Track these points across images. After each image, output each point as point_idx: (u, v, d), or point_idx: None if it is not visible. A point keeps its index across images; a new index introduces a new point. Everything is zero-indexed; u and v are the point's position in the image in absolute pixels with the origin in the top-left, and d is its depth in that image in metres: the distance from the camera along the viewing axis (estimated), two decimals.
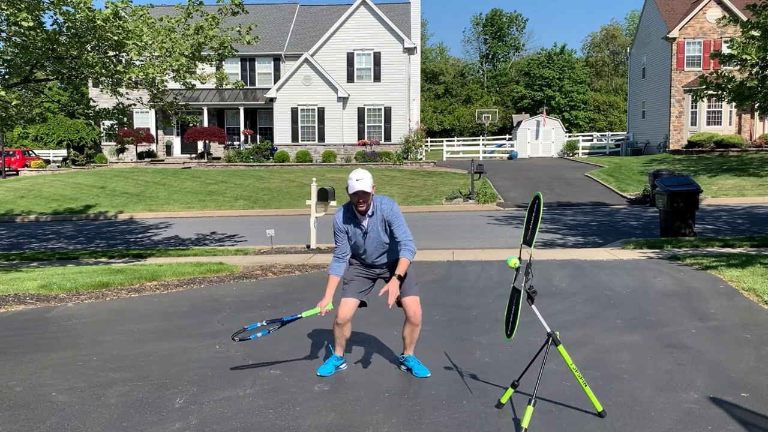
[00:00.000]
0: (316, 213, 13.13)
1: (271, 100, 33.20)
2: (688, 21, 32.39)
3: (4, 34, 10.56)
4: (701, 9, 32.33)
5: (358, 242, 4.89)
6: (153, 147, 36.26)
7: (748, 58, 13.14)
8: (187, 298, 8.13)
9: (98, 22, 9.87)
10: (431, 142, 51.28)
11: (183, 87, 12.10)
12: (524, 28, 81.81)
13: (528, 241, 4.16)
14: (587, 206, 20.39)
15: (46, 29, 10.34)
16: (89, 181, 27.60)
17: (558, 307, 7.16)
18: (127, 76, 10.81)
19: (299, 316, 5.07)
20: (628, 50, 42.41)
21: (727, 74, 14.38)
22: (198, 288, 8.80)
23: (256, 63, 35.87)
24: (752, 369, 4.99)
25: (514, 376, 4.45)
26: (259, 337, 5.14)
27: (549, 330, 4.13)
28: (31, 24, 9.34)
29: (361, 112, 33.38)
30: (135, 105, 13.81)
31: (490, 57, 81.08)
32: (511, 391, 4.30)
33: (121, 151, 35.11)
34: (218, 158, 34.78)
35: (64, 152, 35.71)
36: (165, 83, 11.93)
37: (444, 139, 49.66)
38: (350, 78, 33.28)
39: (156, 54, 11.01)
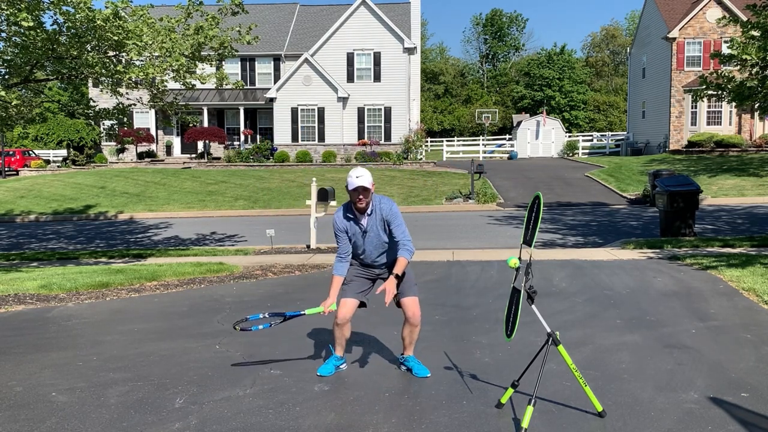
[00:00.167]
0: (316, 213, 13.13)
1: (271, 100, 33.20)
2: (688, 21, 32.39)
3: (4, 34, 10.56)
4: (701, 9, 32.34)
5: (357, 242, 4.90)
6: (153, 147, 36.27)
7: (748, 58, 13.14)
8: (187, 298, 8.13)
9: (98, 22, 9.87)
10: (431, 142, 51.28)
11: (183, 87, 12.10)
12: (524, 28, 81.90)
13: (528, 241, 4.16)
14: (587, 206, 20.39)
15: (46, 29, 10.34)
16: (89, 181, 27.60)
17: (558, 307, 7.16)
18: (127, 76, 10.81)
19: (302, 313, 5.08)
20: (628, 50, 42.41)
21: (727, 74, 14.37)
22: (198, 288, 8.80)
23: (256, 63, 35.87)
24: (752, 369, 4.99)
25: (514, 376, 4.45)
26: (261, 329, 5.14)
27: (549, 330, 4.13)
28: (31, 24, 9.34)
29: (361, 112, 33.38)
30: (135, 105, 13.81)
31: (490, 57, 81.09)
32: (511, 391, 4.30)
33: (121, 151, 35.11)
34: (218, 158, 34.78)
35: (64, 152, 35.71)
36: (165, 83, 11.93)
37: (444, 139, 49.65)
38: (350, 78, 33.29)
39: (156, 54, 11.01)
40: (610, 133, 48.71)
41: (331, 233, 5.07)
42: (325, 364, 5.14)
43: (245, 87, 35.02)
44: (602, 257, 10.46)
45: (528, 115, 48.60)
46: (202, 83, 12.51)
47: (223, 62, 22.16)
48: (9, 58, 11.10)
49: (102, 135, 33.25)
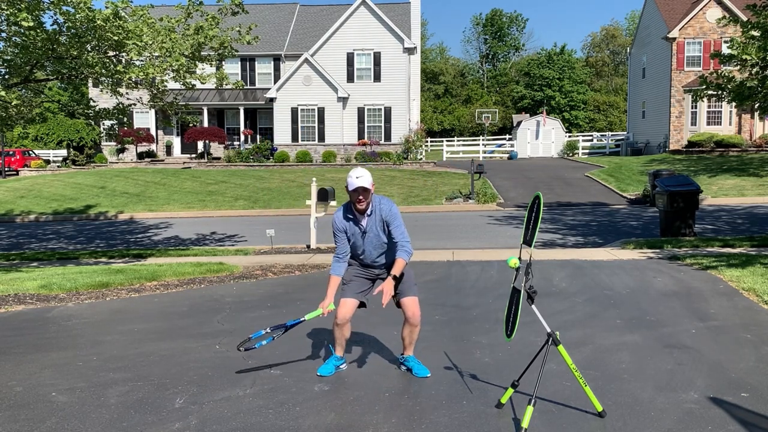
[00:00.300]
0: (316, 213, 13.13)
1: (271, 100, 33.20)
2: (688, 21, 32.39)
3: (4, 34, 10.56)
4: (701, 9, 32.34)
5: (356, 242, 4.90)
6: (153, 147, 36.27)
7: (748, 58, 13.14)
8: (187, 298, 8.13)
9: (98, 22, 9.87)
10: (431, 142, 51.28)
11: (183, 87, 12.10)
12: (524, 28, 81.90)
13: (528, 241, 4.16)
14: (587, 206, 20.39)
15: (46, 29, 10.34)
16: (89, 181, 27.61)
17: (558, 307, 7.16)
18: (127, 76, 10.81)
19: (302, 319, 5.06)
20: (628, 50, 42.41)
21: (727, 74, 14.37)
22: (198, 288, 8.80)
23: (256, 63, 35.87)
24: (752, 369, 4.99)
25: (514, 376, 4.45)
26: (264, 345, 5.13)
27: (549, 330, 4.13)
28: (31, 24, 9.34)
29: (361, 112, 33.38)
30: (135, 105, 13.81)
31: (490, 57, 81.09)
32: (511, 391, 4.30)
33: (121, 151, 35.11)
34: (218, 158, 34.79)
35: (64, 152, 35.71)
36: (165, 83, 11.93)
37: (444, 139, 49.65)
38: (350, 78, 33.29)
39: (156, 54, 11.01)
40: (610, 133, 48.71)
41: (331, 233, 5.07)
42: (325, 364, 5.14)
43: (245, 87, 35.02)
44: (602, 257, 10.46)
45: (528, 115, 48.60)
46: (202, 83, 12.51)
47: (223, 62, 22.16)
48: (9, 58, 11.10)
49: (102, 135, 33.25)
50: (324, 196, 12.98)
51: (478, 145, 44.38)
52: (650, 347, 5.60)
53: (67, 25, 10.30)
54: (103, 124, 31.35)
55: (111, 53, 11.12)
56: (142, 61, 11.33)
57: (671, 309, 6.92)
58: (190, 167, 31.90)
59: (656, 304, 7.18)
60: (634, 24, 63.89)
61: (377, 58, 33.13)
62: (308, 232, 13.33)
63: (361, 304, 4.99)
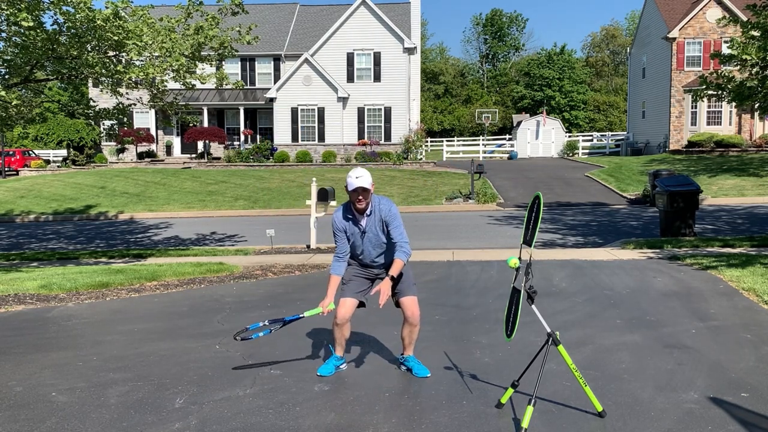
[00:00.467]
0: (316, 213, 13.13)
1: (271, 100, 33.20)
2: (688, 21, 32.39)
3: (4, 34, 10.56)
4: (701, 9, 32.34)
5: (356, 242, 4.90)
6: (153, 147, 36.27)
7: (748, 58, 13.14)
8: (187, 298, 8.13)
9: (98, 22, 9.87)
10: (431, 142, 51.28)
11: (183, 87, 12.10)
12: (524, 28, 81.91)
13: (528, 241, 4.16)
14: (587, 206, 20.39)
15: (46, 29, 10.34)
16: (89, 181, 27.61)
17: (558, 307, 7.16)
18: (127, 76, 10.81)
19: (301, 315, 5.07)
20: (628, 50, 42.41)
21: (727, 74, 14.37)
22: (198, 288, 8.80)
23: (256, 63, 35.87)
24: (752, 369, 4.99)
25: (514, 376, 4.45)
26: (261, 336, 5.14)
27: (549, 330, 4.13)
28: (31, 24, 9.34)
29: (361, 112, 33.38)
30: (135, 105, 13.81)
31: (490, 57, 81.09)
32: (511, 391, 4.30)
33: (121, 151, 35.11)
34: (218, 158, 34.79)
35: (64, 152, 35.71)
36: (165, 83, 11.93)
37: (444, 139, 49.65)
38: (350, 78, 33.29)
39: (156, 54, 11.01)
40: (610, 133, 48.71)
41: (331, 233, 5.07)
42: (325, 364, 5.14)
43: (245, 87, 35.02)
44: (602, 257, 10.46)
45: (528, 115, 48.60)
46: (202, 83, 12.51)
47: (223, 62, 22.17)
48: (9, 58, 11.10)
49: (102, 135, 33.25)
50: (324, 196, 12.98)
51: (478, 145, 44.38)
52: (650, 347, 5.60)
53: (67, 25, 10.30)
54: (103, 124, 31.34)
55: (111, 53, 11.12)
56: (142, 61, 11.33)
57: (671, 309, 6.92)
58: (190, 167, 31.90)
59: (656, 304, 7.18)
60: (634, 24, 63.90)
61: (377, 58, 33.12)
62: (308, 232, 13.33)
63: (361, 304, 4.99)
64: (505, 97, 72.92)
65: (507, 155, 39.02)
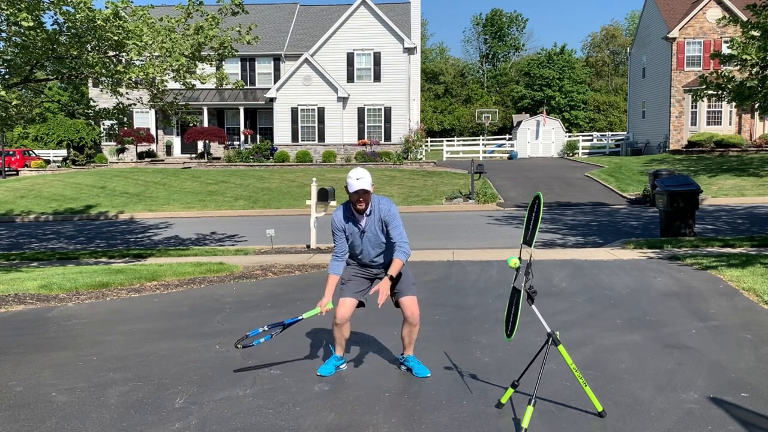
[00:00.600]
0: (316, 213, 13.13)
1: (271, 100, 33.20)
2: (688, 21, 32.39)
3: (4, 34, 10.56)
4: (701, 9, 32.34)
5: (355, 241, 4.90)
6: (153, 147, 36.27)
7: (748, 58, 13.14)
8: (187, 298, 8.13)
9: (98, 22, 9.87)
10: (431, 142, 51.28)
11: (183, 87, 12.10)
12: (524, 28, 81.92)
13: (528, 241, 4.16)
14: (587, 206, 20.39)
15: (46, 29, 10.34)
16: (89, 181, 27.61)
17: (558, 307, 7.16)
18: (127, 76, 10.81)
19: (300, 318, 5.06)
20: (628, 50, 42.41)
21: (727, 74, 14.37)
22: (198, 288, 8.80)
23: (256, 63, 35.87)
24: (752, 369, 4.99)
25: (514, 376, 4.45)
26: (262, 342, 5.13)
27: (549, 330, 4.13)
28: (31, 24, 9.34)
29: (361, 112, 33.38)
30: (135, 105, 13.81)
31: (490, 57, 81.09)
32: (511, 391, 4.30)
33: (121, 151, 35.11)
34: (218, 158, 34.78)
35: (64, 152, 35.71)
36: (165, 83, 11.93)
37: (444, 139, 49.66)
38: (350, 78, 33.29)
39: (156, 54, 11.01)
40: (610, 133, 48.71)
41: (330, 233, 5.07)
42: (325, 364, 5.14)
43: (245, 87, 35.02)
44: (602, 257, 10.45)
45: (528, 115, 48.59)
46: (202, 83, 12.51)
47: (223, 62, 22.16)
48: (9, 58, 11.09)
49: (102, 135, 33.26)
50: (324, 196, 12.98)
51: (478, 145, 44.38)
52: (650, 347, 5.60)
53: (67, 25, 10.30)
54: (103, 124, 31.35)
55: (111, 53, 11.12)
56: (142, 61, 11.33)
57: (671, 309, 6.92)
58: (190, 167, 31.90)
59: (656, 304, 7.17)
60: (634, 24, 63.90)
61: (377, 58, 33.13)
62: (308, 232, 13.33)
63: (360, 304, 4.99)
64: (505, 97, 72.92)
65: (507, 155, 39.01)
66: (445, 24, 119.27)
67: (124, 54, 10.92)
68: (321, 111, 32.98)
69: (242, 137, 35.66)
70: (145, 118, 35.52)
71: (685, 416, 4.15)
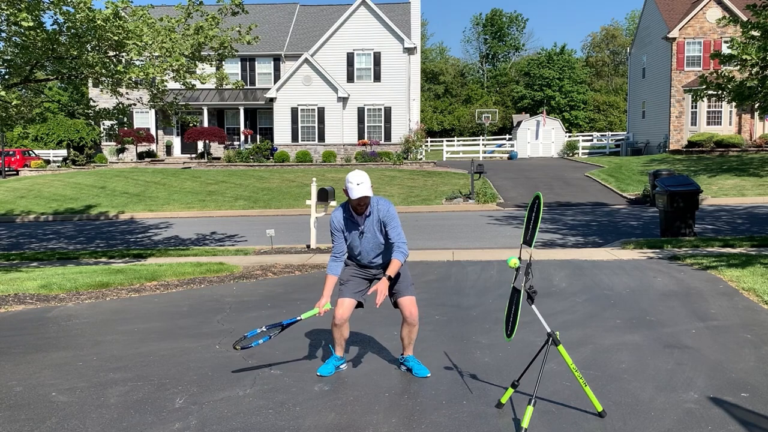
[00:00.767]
0: (316, 213, 13.13)
1: (271, 100, 33.20)
2: (688, 21, 32.39)
3: (4, 34, 10.56)
4: (701, 9, 32.34)
5: (354, 242, 4.90)
6: (153, 147, 36.27)
7: (748, 58, 13.13)
8: (187, 298, 8.13)
9: (98, 22, 9.87)
10: (431, 142, 51.28)
11: (183, 87, 12.10)
12: (524, 28, 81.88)
13: (528, 241, 4.16)
14: (587, 206, 20.39)
15: (46, 29, 10.33)
16: (89, 181, 27.61)
17: (558, 307, 7.16)
18: (127, 76, 10.81)
19: (298, 318, 5.06)
20: (628, 50, 42.41)
21: (727, 74, 14.37)
22: (198, 288, 8.80)
23: (256, 63, 35.87)
24: (752, 369, 4.99)
25: (514, 376, 4.45)
26: (261, 343, 5.13)
27: (549, 330, 4.13)
28: (31, 24, 9.33)
29: (361, 112, 33.38)
30: (135, 105, 13.81)
31: (490, 57, 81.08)
32: (511, 391, 4.30)
33: (121, 151, 35.11)
34: (218, 158, 34.79)
35: (64, 152, 35.71)
36: (165, 83, 11.92)
37: (444, 139, 49.66)
38: (350, 78, 33.29)
39: (156, 54, 11.01)
40: (610, 133, 48.72)
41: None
42: (325, 364, 5.14)
43: (245, 87, 35.02)
44: (602, 257, 10.45)
45: (528, 115, 48.61)
46: (202, 83, 12.51)
47: (223, 62, 22.15)
48: (9, 58, 11.09)
49: (102, 135, 33.25)
50: (324, 196, 12.98)
51: (478, 145, 44.38)
52: (650, 347, 5.60)
53: (67, 25, 10.30)
54: (103, 124, 31.26)
55: (111, 53, 11.12)
56: (142, 61, 11.33)
57: (671, 309, 6.92)
58: (190, 167, 31.90)
59: (656, 304, 7.18)
60: (634, 24, 63.90)
61: (377, 58, 33.13)
62: (308, 232, 13.33)
63: (359, 304, 4.99)
64: (505, 97, 72.91)
65: (507, 155, 39.01)
66: (445, 24, 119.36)
67: (124, 54, 10.92)
68: (321, 111, 32.98)
69: (242, 137, 35.66)
70: (145, 118, 35.52)
71: (685, 416, 4.15)
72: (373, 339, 6.01)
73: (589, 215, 18.34)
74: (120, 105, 12.73)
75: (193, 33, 11.46)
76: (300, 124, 33.17)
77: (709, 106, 32.08)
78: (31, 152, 38.17)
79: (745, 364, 5.12)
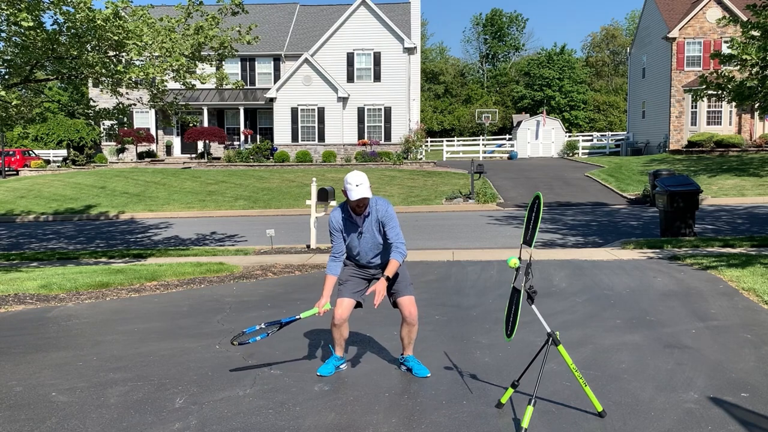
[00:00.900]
0: (316, 213, 13.13)
1: (271, 100, 33.20)
2: (688, 21, 32.39)
3: (4, 34, 10.56)
4: (701, 9, 32.34)
5: (352, 242, 4.90)
6: (153, 147, 36.27)
7: (748, 58, 13.13)
8: (187, 298, 8.13)
9: (98, 22, 9.87)
10: (431, 142, 51.28)
11: (183, 87, 12.10)
12: (524, 28, 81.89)
13: (528, 241, 4.16)
14: (587, 206, 20.39)
15: (46, 29, 10.34)
16: (89, 181, 27.61)
17: (558, 307, 7.16)
18: (127, 76, 10.81)
19: (297, 317, 5.06)
20: (628, 50, 42.41)
21: (727, 74, 14.37)
22: (198, 288, 8.80)
23: (256, 63, 35.87)
24: (752, 369, 4.99)
25: (514, 376, 4.45)
26: (259, 340, 5.13)
27: (549, 330, 4.13)
28: (31, 24, 9.33)
29: (361, 112, 33.38)
30: (135, 105, 13.81)
31: (490, 57, 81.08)
32: (511, 391, 4.30)
33: (121, 151, 35.11)
34: (218, 158, 34.79)
35: (64, 152, 35.71)
36: (165, 83, 11.92)
37: (444, 139, 49.66)
38: (350, 78, 33.29)
39: (156, 54, 11.01)
40: (610, 133, 48.72)
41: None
42: (324, 364, 5.14)
43: (245, 87, 35.03)
44: (602, 257, 10.45)
45: (528, 115, 48.60)
46: (202, 83, 12.52)
47: (223, 62, 22.16)
48: (9, 58, 11.09)
49: (102, 135, 33.25)
50: (324, 196, 12.98)
51: (478, 145, 44.38)
52: (650, 347, 5.60)
53: (67, 25, 10.30)
54: (103, 124, 31.26)
55: (111, 53, 11.12)
56: (142, 61, 11.34)
57: (671, 309, 6.92)
58: (190, 167, 31.90)
59: (656, 304, 7.18)
60: (634, 24, 63.89)
61: (377, 58, 33.13)
62: (308, 232, 13.33)
63: (358, 304, 4.99)
64: (505, 97, 72.91)
65: (507, 155, 39.01)
66: (445, 24, 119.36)
67: (124, 54, 10.92)
68: (321, 111, 32.98)
69: (242, 137, 35.66)
70: (145, 118, 35.52)
71: (685, 416, 4.15)
72: (373, 339, 6.01)
73: (589, 215, 18.34)
74: (120, 105, 12.73)
75: (193, 33, 11.46)
76: (300, 124, 33.17)
77: (709, 106, 32.08)
78: (31, 152, 38.17)
79: (745, 364, 5.12)
